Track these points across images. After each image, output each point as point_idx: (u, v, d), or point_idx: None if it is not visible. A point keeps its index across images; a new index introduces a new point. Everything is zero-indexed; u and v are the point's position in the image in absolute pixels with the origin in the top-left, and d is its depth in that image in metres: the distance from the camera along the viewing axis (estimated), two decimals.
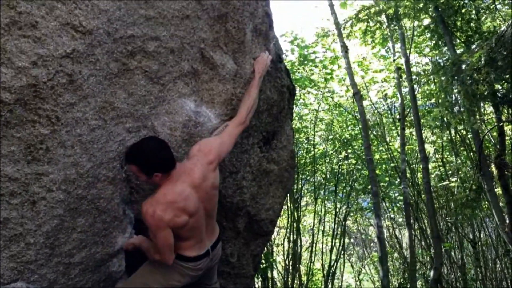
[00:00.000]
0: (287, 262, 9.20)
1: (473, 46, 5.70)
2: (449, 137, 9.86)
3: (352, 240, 13.92)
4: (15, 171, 2.40)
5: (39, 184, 2.50)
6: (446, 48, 7.58)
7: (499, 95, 5.68)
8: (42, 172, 2.50)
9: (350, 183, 10.76)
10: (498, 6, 7.19)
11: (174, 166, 2.82)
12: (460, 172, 8.73)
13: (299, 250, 9.35)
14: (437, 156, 10.82)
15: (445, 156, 10.51)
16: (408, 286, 8.86)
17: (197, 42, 3.09)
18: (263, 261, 7.94)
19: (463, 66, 5.31)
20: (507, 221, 6.70)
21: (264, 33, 3.59)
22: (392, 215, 11.85)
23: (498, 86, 5.67)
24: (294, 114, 9.71)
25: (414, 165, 10.86)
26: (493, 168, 6.69)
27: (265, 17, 3.58)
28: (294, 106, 9.66)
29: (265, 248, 7.57)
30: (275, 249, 9.76)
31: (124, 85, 2.78)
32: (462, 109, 5.94)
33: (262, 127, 3.87)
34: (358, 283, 12.07)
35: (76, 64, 2.46)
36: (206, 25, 3.12)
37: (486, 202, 7.98)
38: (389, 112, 11.34)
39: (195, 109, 3.19)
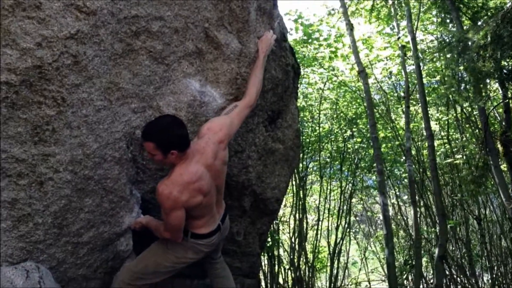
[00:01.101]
0: (293, 240, 9.27)
1: (479, 23, 5.63)
2: (454, 115, 9.80)
3: (357, 218, 13.98)
4: (22, 152, 2.42)
5: (46, 165, 2.53)
6: (451, 25, 7.48)
7: (505, 71, 5.62)
8: (49, 153, 2.52)
9: (355, 161, 10.75)
10: None
11: (189, 144, 2.83)
12: (465, 150, 8.69)
13: (305, 228, 9.40)
14: (442, 133, 10.78)
15: (451, 133, 10.47)
16: (413, 263, 8.91)
17: (201, 21, 3.07)
18: (269, 239, 8.03)
19: (469, 43, 5.25)
20: None
21: (268, 12, 3.56)
22: (397, 193, 11.86)
23: (504, 63, 5.60)
24: (299, 93, 9.68)
25: (419, 143, 10.83)
26: (499, 145, 6.66)
27: None
28: (299, 85, 9.63)
29: (271, 227, 7.65)
30: (281, 227, 9.82)
31: (129, 66, 2.78)
32: (468, 87, 5.88)
33: (267, 106, 3.87)
34: (364, 260, 12.16)
35: (80, 45, 2.46)
36: (210, 4, 3.09)
37: (492, 179, 7.97)
38: (394, 90, 11.27)
39: (200, 89, 3.19)
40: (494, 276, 9.95)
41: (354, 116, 10.72)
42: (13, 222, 2.49)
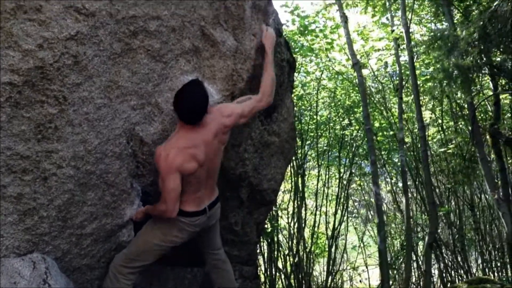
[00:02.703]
0: (291, 225, 9.41)
1: (470, 19, 5.73)
2: (448, 105, 9.92)
3: (356, 204, 14.15)
4: (26, 149, 2.53)
5: (49, 161, 2.63)
6: (444, 18, 7.56)
7: (495, 65, 5.74)
8: (52, 149, 2.62)
9: (353, 149, 10.88)
10: None
11: (197, 122, 2.99)
12: (458, 139, 8.84)
13: (303, 215, 9.54)
14: (438, 121, 10.90)
15: (445, 121, 10.58)
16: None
17: (197, 20, 3.16)
18: (269, 225, 8.18)
19: (458, 40, 5.35)
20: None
21: (263, 9, 3.64)
22: (394, 180, 12.01)
23: (494, 58, 5.73)
24: (297, 82, 9.78)
25: (415, 131, 10.95)
26: (488, 136, 6.83)
27: None
28: (297, 74, 9.73)
29: (271, 213, 7.78)
30: (280, 213, 9.95)
31: (127, 64, 2.87)
32: (456, 82, 6.01)
33: None
34: (362, 245, 12.34)
35: (80, 46, 2.55)
36: (206, 3, 3.17)
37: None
38: (390, 80, 11.36)
39: None
40: (485, 259, 10.16)
41: (352, 105, 10.82)
42: (19, 216, 2.60)
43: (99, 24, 2.61)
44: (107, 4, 2.62)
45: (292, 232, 9.37)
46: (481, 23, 4.74)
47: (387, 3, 9.43)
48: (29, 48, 2.37)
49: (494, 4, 4.76)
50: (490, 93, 7.86)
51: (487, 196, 10.19)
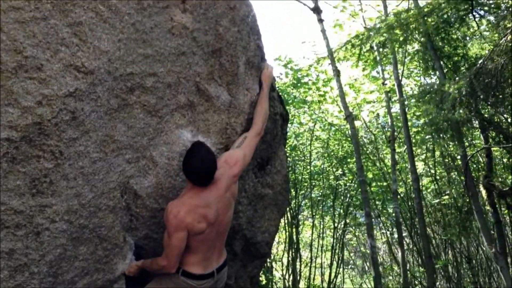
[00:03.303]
0: (286, 277, 9.26)
1: (457, 78, 5.92)
2: (440, 156, 10.04)
3: (351, 255, 13.99)
4: (20, 204, 2.53)
5: (43, 215, 2.63)
6: (433, 73, 7.82)
7: (484, 119, 5.90)
8: (46, 204, 2.63)
9: (347, 199, 10.89)
10: (484, 33, 7.43)
11: (205, 183, 3.01)
12: (453, 190, 8.90)
13: (298, 267, 9.42)
14: (432, 171, 10.97)
15: (438, 171, 10.65)
16: None
17: (192, 76, 3.25)
18: (263, 278, 8.04)
19: (446, 95, 5.51)
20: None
21: (257, 65, 3.76)
22: (388, 232, 11.94)
23: (482, 111, 5.91)
24: (290, 132, 9.92)
25: (408, 181, 10.99)
26: (482, 188, 6.89)
27: (257, 50, 3.75)
28: (290, 125, 9.88)
29: (265, 265, 7.67)
30: (274, 265, 9.82)
31: (123, 119, 2.93)
32: (447, 135, 6.15)
33: (256, 154, 4.00)
34: None
35: (78, 102, 2.62)
36: (201, 60, 3.28)
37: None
38: (382, 131, 11.54)
39: (192, 139, 3.33)
40: None
41: (345, 155, 10.92)
42: (9, 272, 2.57)
43: (97, 81, 2.69)
44: (106, 62, 2.71)
45: (287, 285, 9.22)
46: (468, 79, 4.91)
47: (378, 57, 9.73)
48: (28, 105, 2.43)
49: (479, 62, 4.95)
50: (482, 144, 7.99)
51: (484, 248, 10.13)
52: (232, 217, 3.32)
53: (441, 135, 6.02)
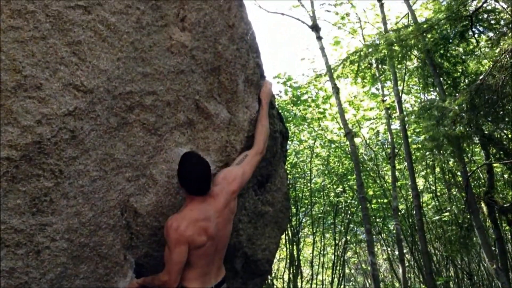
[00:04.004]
0: None
1: (457, 94, 5.97)
2: (440, 172, 10.03)
3: (352, 272, 13.89)
4: (20, 223, 2.53)
5: (43, 234, 2.63)
6: (432, 89, 7.87)
7: (485, 135, 5.92)
8: (46, 222, 2.63)
9: (348, 216, 10.86)
10: (483, 49, 7.49)
11: (199, 192, 3.01)
12: (453, 207, 8.87)
13: (299, 284, 9.34)
14: (432, 188, 10.94)
15: (439, 187, 10.64)
16: None
17: (192, 94, 3.28)
18: None
19: (446, 111, 5.55)
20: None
21: (256, 83, 3.79)
22: (389, 249, 11.87)
23: (483, 127, 5.94)
24: (290, 149, 9.93)
25: (409, 197, 10.97)
26: (483, 204, 6.87)
27: (256, 68, 3.78)
28: (290, 142, 9.90)
29: (266, 282, 7.59)
30: (275, 282, 9.74)
31: (123, 138, 2.95)
32: (447, 152, 6.17)
33: (256, 171, 4.00)
34: None
35: (78, 121, 2.63)
36: (200, 78, 3.31)
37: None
38: (382, 147, 11.56)
39: None
40: None
41: (345, 172, 10.92)
42: None
43: (96, 100, 2.71)
44: (105, 81, 2.73)
45: None
46: (468, 96, 4.95)
47: (376, 74, 9.80)
48: (28, 124, 2.44)
49: (480, 78, 4.99)
50: (482, 160, 8.00)
51: (486, 264, 10.05)
52: (231, 233, 3.32)
53: (441, 151, 6.03)
